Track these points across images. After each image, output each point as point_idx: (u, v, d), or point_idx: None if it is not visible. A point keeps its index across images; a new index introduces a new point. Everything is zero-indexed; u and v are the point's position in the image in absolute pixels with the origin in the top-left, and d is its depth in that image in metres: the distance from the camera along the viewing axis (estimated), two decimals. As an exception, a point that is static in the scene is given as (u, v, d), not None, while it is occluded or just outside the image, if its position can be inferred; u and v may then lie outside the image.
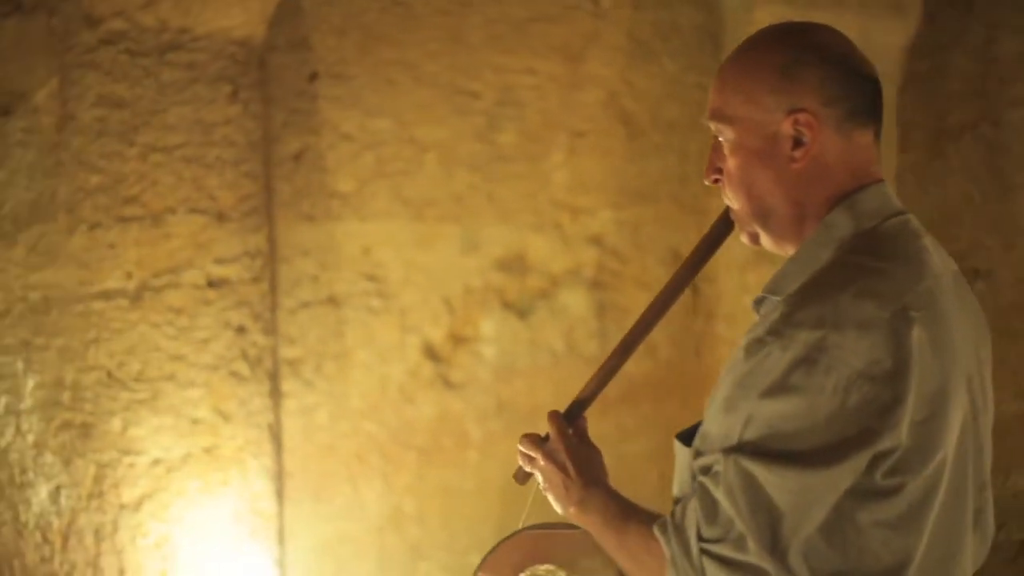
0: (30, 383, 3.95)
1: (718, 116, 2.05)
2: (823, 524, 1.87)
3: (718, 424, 1.91)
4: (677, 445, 2.05)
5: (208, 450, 3.98)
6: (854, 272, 1.91)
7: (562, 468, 2.20)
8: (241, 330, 4.06)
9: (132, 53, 3.95)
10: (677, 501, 2.00)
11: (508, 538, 2.36)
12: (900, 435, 1.85)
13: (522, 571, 2.33)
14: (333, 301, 4.39)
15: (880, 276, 1.90)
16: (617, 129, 4.71)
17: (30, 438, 3.95)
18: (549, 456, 2.22)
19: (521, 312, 4.58)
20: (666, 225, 4.77)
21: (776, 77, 1.99)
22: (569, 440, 2.23)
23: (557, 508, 2.23)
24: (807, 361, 1.84)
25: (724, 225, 2.19)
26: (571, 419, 2.30)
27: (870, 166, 2.03)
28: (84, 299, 3.92)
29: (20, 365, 3.99)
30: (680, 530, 1.92)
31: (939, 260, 2.00)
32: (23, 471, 3.96)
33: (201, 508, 3.95)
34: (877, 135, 2.05)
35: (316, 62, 4.39)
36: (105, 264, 3.93)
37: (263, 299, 4.15)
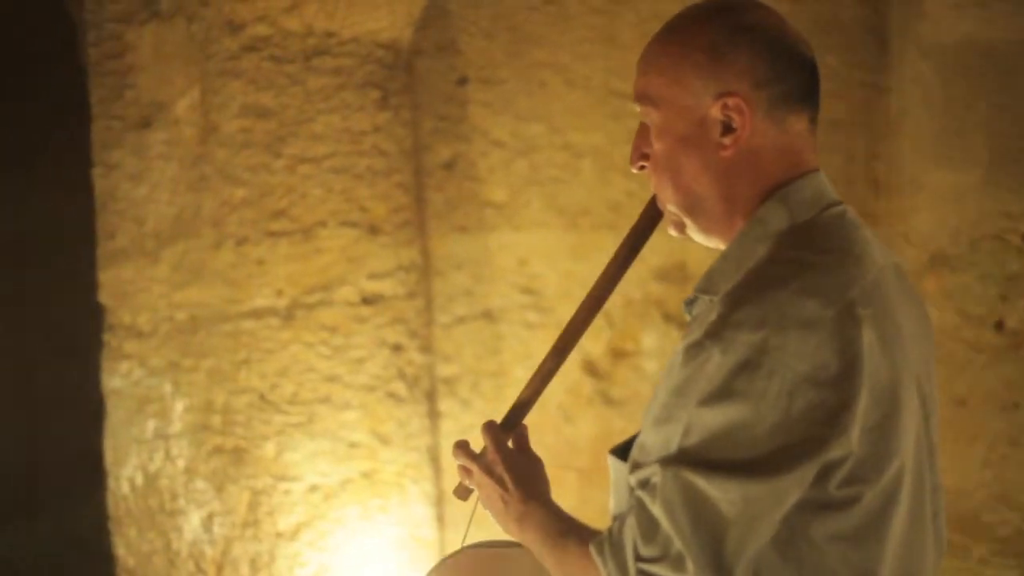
0: (179, 406, 3.79)
1: (643, 98, 1.92)
2: (776, 539, 1.75)
3: (655, 434, 1.79)
4: (612, 460, 1.92)
5: (366, 475, 3.79)
6: (794, 268, 1.79)
7: (499, 482, 2.06)
8: (398, 348, 3.87)
9: (277, 60, 3.78)
10: (616, 519, 1.85)
11: (448, 558, 2.23)
12: (850, 442, 1.74)
13: None
14: (488, 316, 4.19)
15: (822, 271, 1.78)
16: (778, 129, 4.48)
17: (180, 463, 3.79)
18: (486, 470, 2.08)
19: (683, 324, 4.33)
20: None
21: (704, 58, 1.85)
22: (506, 452, 2.09)
23: (497, 524, 2.10)
24: (749, 365, 1.71)
25: (654, 212, 2.02)
26: (509, 428, 2.13)
27: (805, 154, 1.89)
28: (233, 318, 3.75)
29: (168, 387, 3.83)
30: (617, 549, 1.79)
31: (880, 252, 1.87)
32: (174, 497, 3.80)
33: (360, 536, 3.75)
34: (813, 121, 1.90)
35: (464, 66, 4.20)
36: (254, 281, 3.76)
37: (419, 315, 3.96)
